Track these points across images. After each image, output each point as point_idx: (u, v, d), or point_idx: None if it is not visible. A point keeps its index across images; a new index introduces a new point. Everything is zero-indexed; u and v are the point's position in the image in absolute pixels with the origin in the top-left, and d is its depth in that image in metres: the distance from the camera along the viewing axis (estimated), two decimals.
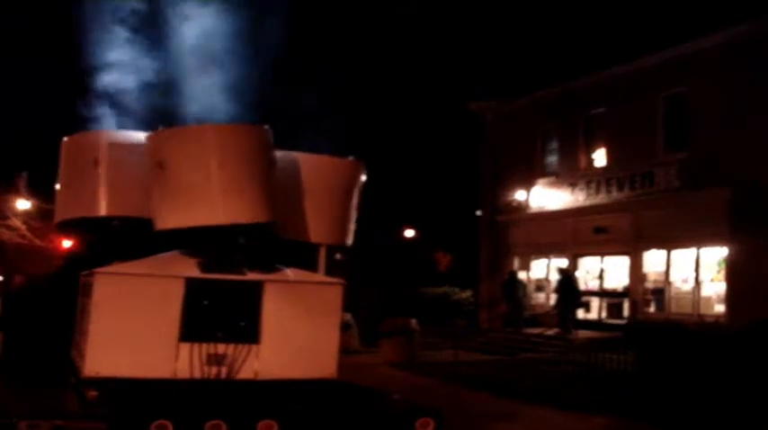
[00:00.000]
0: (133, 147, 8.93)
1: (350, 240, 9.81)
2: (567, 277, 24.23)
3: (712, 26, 21.78)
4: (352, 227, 9.80)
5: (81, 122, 10.20)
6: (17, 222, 35.83)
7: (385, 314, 22.25)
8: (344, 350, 11.84)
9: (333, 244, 9.64)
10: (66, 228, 10.26)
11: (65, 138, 9.46)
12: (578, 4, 27.38)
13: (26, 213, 35.10)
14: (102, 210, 9.00)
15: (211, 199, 8.14)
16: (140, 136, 9.00)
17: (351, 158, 9.72)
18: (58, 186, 9.61)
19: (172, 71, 10.52)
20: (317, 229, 9.30)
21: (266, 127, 8.71)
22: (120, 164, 8.95)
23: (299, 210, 9.16)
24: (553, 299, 25.25)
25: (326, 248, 9.74)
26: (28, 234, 34.81)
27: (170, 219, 8.30)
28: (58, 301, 9.48)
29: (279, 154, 8.91)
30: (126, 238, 9.01)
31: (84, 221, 9.31)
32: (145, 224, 8.58)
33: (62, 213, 9.47)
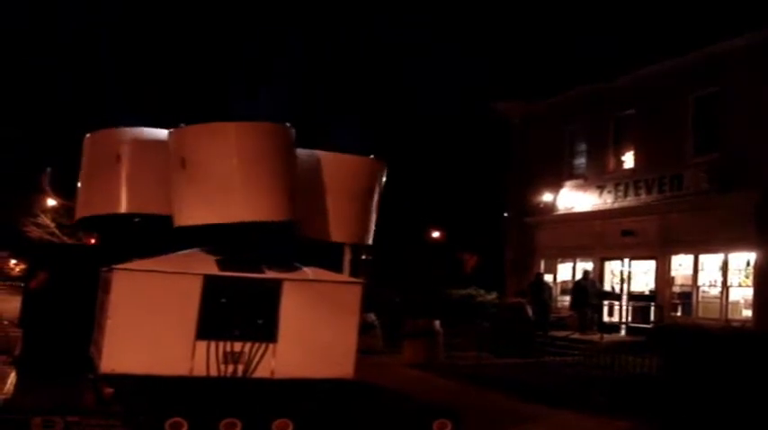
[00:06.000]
0: (156, 144, 8.94)
1: (370, 239, 9.72)
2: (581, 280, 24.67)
3: (744, 26, 21.50)
4: (372, 226, 9.71)
5: (103, 120, 10.24)
6: (46, 220, 36.21)
7: (409, 315, 22.15)
8: (367, 350, 11.80)
9: (352, 243, 9.58)
10: (88, 224, 10.33)
11: (87, 135, 9.46)
12: (608, 4, 27.18)
13: (54, 210, 35.46)
14: (123, 208, 9.01)
15: (230, 196, 8.13)
16: (163, 133, 9.02)
17: (371, 157, 9.65)
18: (79, 183, 9.61)
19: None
20: (338, 228, 9.23)
21: (288, 125, 8.68)
22: (142, 161, 8.96)
23: (320, 208, 9.11)
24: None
25: (351, 248, 9.72)
26: (57, 231, 35.16)
27: (190, 215, 8.30)
28: (79, 298, 9.47)
29: (301, 152, 8.87)
30: (147, 235, 9.02)
31: (105, 218, 9.35)
32: (165, 221, 8.60)
33: (83, 209, 9.47)
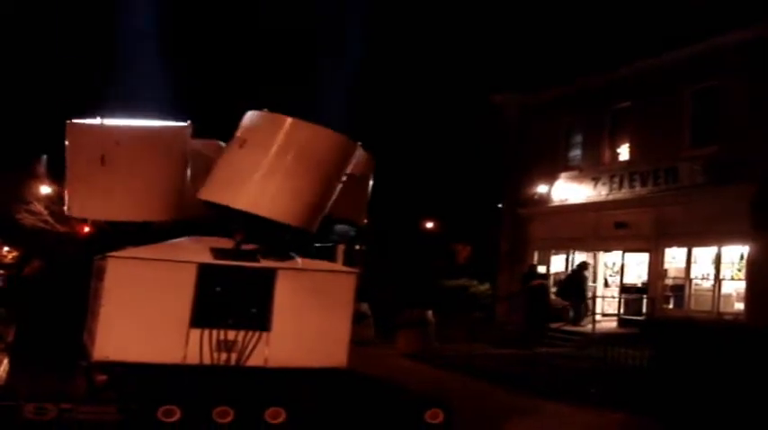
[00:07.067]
0: (145, 143, 8.60)
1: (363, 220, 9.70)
2: (577, 271, 24.96)
3: (743, 20, 21.50)
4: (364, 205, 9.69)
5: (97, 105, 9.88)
6: (39, 207, 36.11)
7: (402, 305, 22.20)
8: (360, 340, 11.79)
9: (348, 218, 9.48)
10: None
11: (70, 122, 8.84)
12: None
13: (48, 198, 35.35)
14: (110, 216, 8.80)
15: (264, 188, 8.02)
16: (155, 127, 8.83)
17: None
18: (66, 177, 9.35)
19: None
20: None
21: (356, 142, 8.55)
22: (131, 165, 8.50)
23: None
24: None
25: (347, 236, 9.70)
26: (50, 219, 35.09)
27: (212, 192, 8.25)
28: (74, 285, 9.46)
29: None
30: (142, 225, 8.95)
31: None
32: (157, 226, 8.54)
33: (71, 209, 9.16)
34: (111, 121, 8.90)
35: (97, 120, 8.80)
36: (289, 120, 8.26)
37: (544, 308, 23.73)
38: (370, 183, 9.68)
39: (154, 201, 8.62)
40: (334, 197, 8.44)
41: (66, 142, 8.85)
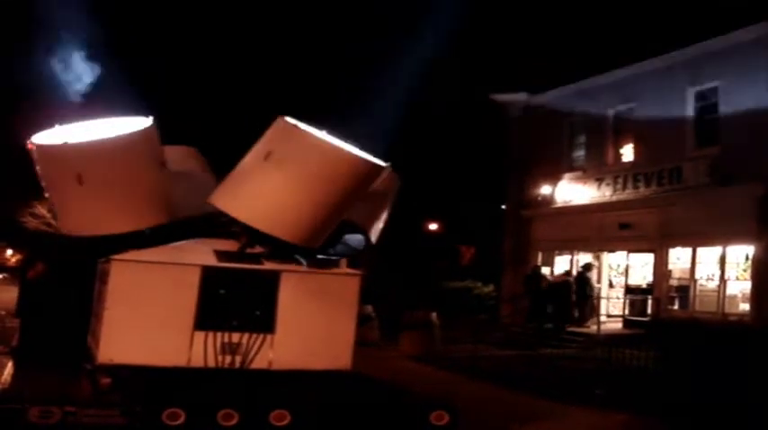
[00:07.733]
0: (119, 154, 8.35)
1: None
2: (582, 272, 24.95)
3: (744, 21, 21.47)
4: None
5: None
6: (42, 210, 36.15)
7: (406, 307, 22.16)
8: (364, 342, 11.78)
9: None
10: None
11: (32, 145, 8.44)
12: None
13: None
14: (99, 230, 8.58)
15: (266, 202, 7.99)
16: (123, 136, 8.46)
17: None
18: (48, 196, 9.10)
19: None
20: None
21: (385, 165, 8.44)
22: (113, 179, 8.31)
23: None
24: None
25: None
26: (53, 221, 35.06)
27: (221, 198, 8.22)
28: (78, 289, 9.44)
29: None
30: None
31: None
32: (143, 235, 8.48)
33: (63, 227, 9.06)
34: (74, 134, 8.61)
35: (60, 135, 8.51)
36: (316, 137, 8.16)
37: (567, 306, 23.69)
38: (392, 200, 9.57)
39: (142, 208, 8.54)
40: (345, 213, 8.37)
41: (37, 165, 8.55)
